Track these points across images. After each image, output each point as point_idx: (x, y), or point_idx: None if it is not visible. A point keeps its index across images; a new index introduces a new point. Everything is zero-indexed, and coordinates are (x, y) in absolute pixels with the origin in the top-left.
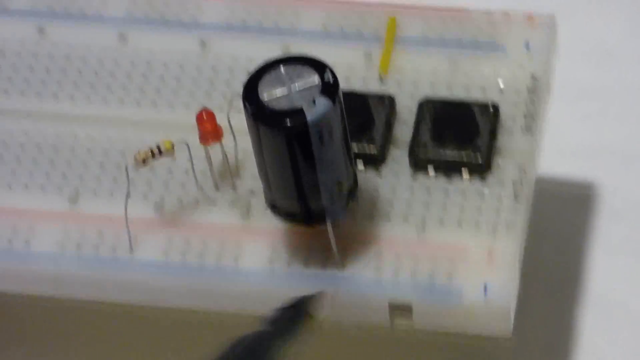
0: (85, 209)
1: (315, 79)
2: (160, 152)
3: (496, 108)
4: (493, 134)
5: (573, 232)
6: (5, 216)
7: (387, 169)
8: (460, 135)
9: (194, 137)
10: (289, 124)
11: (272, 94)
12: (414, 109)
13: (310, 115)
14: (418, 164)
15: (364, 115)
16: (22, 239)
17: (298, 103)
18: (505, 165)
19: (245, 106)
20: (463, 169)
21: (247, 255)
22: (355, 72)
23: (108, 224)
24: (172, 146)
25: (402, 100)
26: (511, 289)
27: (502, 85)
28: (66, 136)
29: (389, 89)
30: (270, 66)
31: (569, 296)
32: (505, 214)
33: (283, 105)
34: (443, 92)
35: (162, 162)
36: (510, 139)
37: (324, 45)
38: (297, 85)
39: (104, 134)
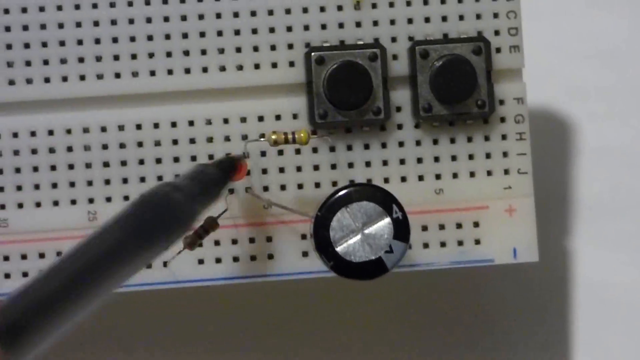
0: None
1: (385, 221)
2: (206, 231)
3: (487, 43)
4: (489, 72)
5: (574, 231)
6: None
7: (391, 126)
8: (460, 84)
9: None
10: (371, 275)
11: (347, 245)
12: (404, 45)
13: (390, 263)
14: (422, 122)
15: (363, 83)
16: None
17: (375, 252)
18: (502, 94)
19: (323, 260)
20: (468, 119)
21: None
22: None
23: None
24: (218, 224)
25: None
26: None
27: None
28: None
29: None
30: (337, 208)
31: (569, 295)
32: (515, 154)
33: (361, 255)
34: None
35: None
36: (500, 61)
37: None
38: (369, 230)
39: None
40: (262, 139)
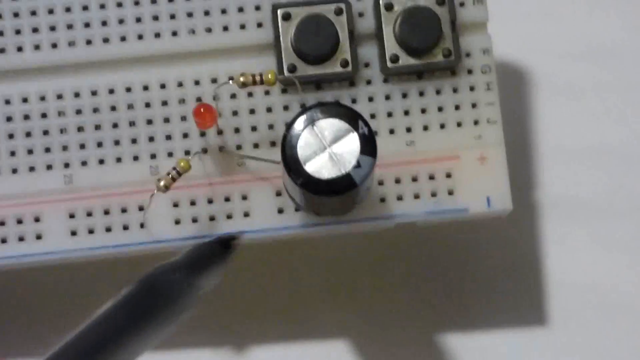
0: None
1: (352, 137)
2: (179, 174)
3: None
4: (453, 22)
5: (571, 232)
6: None
7: (360, 82)
8: (425, 34)
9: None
10: (341, 191)
11: (315, 163)
12: (369, 1)
13: (359, 178)
14: (390, 75)
15: (329, 35)
16: None
17: (343, 167)
18: (468, 47)
19: (292, 178)
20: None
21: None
22: None
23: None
24: (190, 166)
25: None
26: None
27: None
28: None
29: None
30: (303, 127)
31: (565, 295)
32: (483, 104)
33: (330, 171)
34: None
35: None
36: (464, 15)
37: None
38: (336, 147)
39: None
40: (230, 82)
